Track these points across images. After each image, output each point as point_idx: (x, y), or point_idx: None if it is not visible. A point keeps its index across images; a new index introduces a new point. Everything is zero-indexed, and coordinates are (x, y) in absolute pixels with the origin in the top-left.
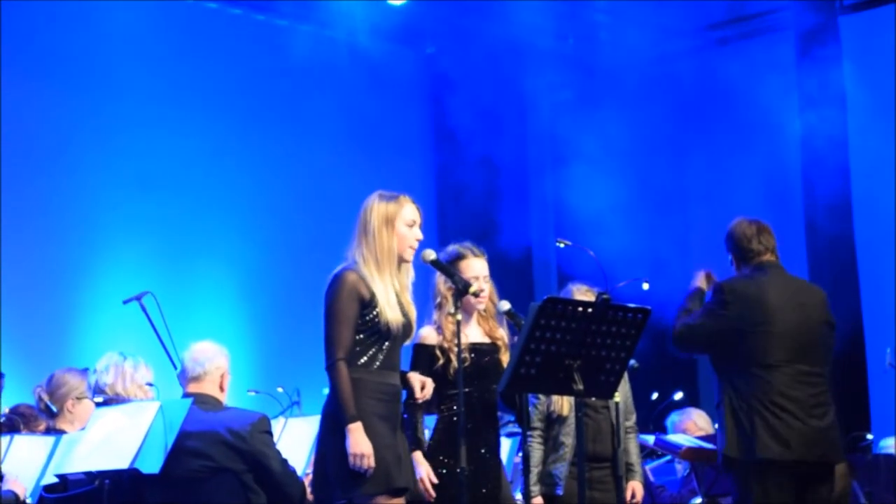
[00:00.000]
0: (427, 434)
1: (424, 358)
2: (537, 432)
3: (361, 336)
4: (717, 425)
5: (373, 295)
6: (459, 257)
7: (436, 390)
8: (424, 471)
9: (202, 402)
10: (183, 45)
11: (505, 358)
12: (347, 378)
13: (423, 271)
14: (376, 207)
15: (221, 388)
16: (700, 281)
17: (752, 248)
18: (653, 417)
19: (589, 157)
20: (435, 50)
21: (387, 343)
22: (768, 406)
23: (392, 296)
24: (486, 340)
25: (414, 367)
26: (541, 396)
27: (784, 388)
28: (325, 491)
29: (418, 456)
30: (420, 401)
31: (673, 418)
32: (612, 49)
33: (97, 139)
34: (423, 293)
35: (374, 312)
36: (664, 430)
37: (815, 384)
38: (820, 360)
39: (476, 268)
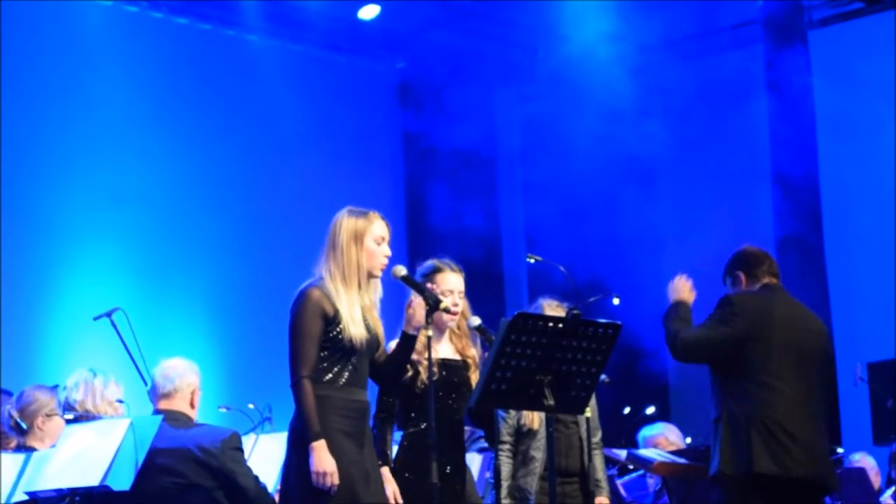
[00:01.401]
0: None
1: None
2: (506, 446)
3: (326, 353)
4: (712, 439)
5: (336, 311)
6: (436, 270)
7: (402, 404)
8: (391, 488)
9: (173, 418)
10: (153, 59)
11: (474, 376)
12: (311, 395)
13: (397, 286)
14: (345, 223)
15: (192, 405)
16: (681, 292)
17: (762, 270)
18: (625, 432)
19: (559, 169)
20: (405, 64)
21: (352, 359)
22: (767, 422)
23: (357, 312)
24: (457, 357)
25: None
26: (510, 410)
27: (785, 404)
28: None
29: (385, 472)
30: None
31: (644, 433)
32: (581, 62)
33: (68, 154)
34: (396, 308)
35: (338, 329)
36: (636, 445)
37: (814, 405)
38: (819, 382)
39: (451, 282)
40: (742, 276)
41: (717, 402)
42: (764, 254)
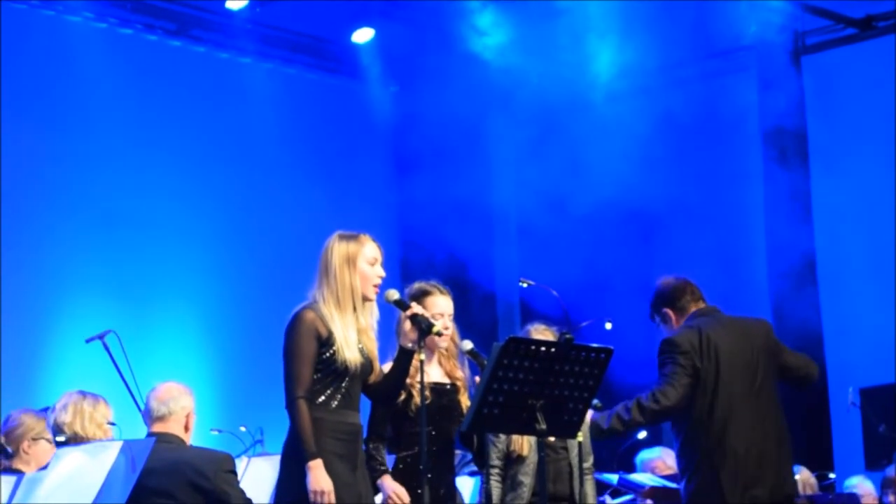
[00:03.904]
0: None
1: None
2: (496, 470)
3: (319, 375)
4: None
5: (330, 333)
6: (424, 294)
7: (395, 428)
8: (394, 488)
9: (166, 441)
10: (147, 82)
11: (463, 398)
12: (307, 415)
13: (387, 309)
14: (337, 247)
15: (187, 428)
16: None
17: (686, 300)
18: (616, 456)
19: (552, 193)
20: (398, 88)
21: (345, 382)
22: (727, 452)
23: (351, 335)
24: (446, 380)
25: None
26: (500, 435)
27: (742, 431)
28: None
29: (388, 479)
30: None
31: (642, 456)
32: (576, 87)
33: (58, 175)
34: (389, 330)
35: (332, 351)
36: (627, 469)
37: (769, 418)
38: (772, 392)
39: (441, 305)
40: (670, 313)
41: (680, 452)
42: (682, 282)
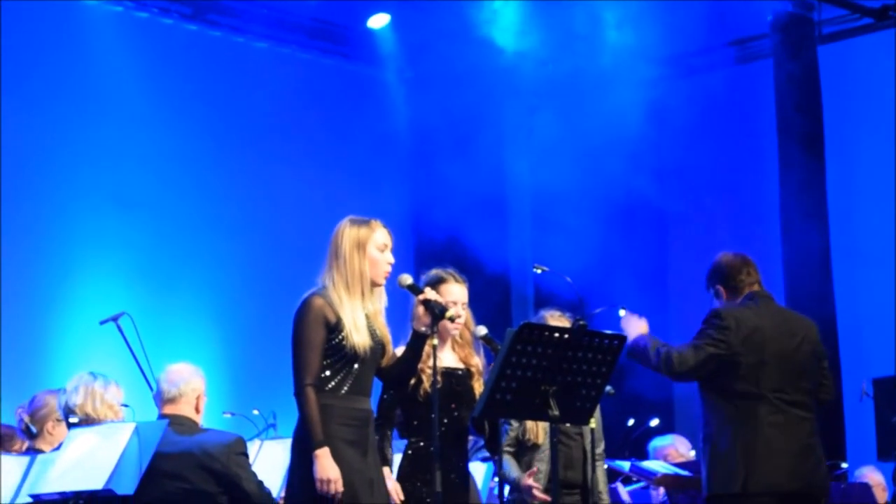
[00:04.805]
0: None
1: None
2: (508, 457)
3: (329, 360)
4: (700, 459)
5: (339, 319)
6: (440, 281)
7: (406, 413)
8: (391, 485)
9: (178, 423)
10: (162, 66)
11: (477, 384)
12: (315, 403)
13: (402, 294)
14: (347, 232)
15: (197, 410)
16: (639, 327)
17: (741, 279)
18: (629, 444)
19: (567, 181)
20: (413, 74)
21: (355, 367)
22: (757, 438)
23: (361, 319)
24: (461, 366)
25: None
26: (513, 422)
27: (774, 419)
28: None
29: (385, 471)
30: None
31: (655, 443)
32: (593, 74)
33: (73, 159)
34: (402, 315)
35: (341, 336)
36: (640, 457)
37: (804, 417)
38: (809, 391)
39: (455, 293)
40: (722, 290)
41: (705, 421)
42: (741, 260)
